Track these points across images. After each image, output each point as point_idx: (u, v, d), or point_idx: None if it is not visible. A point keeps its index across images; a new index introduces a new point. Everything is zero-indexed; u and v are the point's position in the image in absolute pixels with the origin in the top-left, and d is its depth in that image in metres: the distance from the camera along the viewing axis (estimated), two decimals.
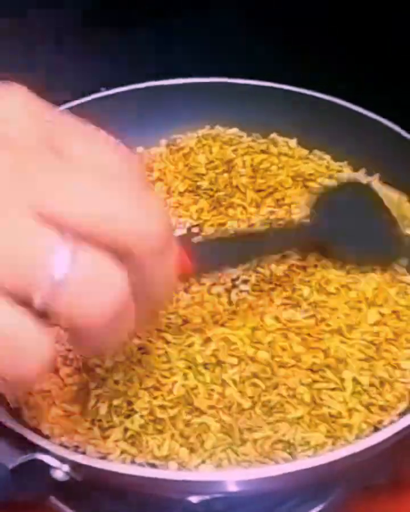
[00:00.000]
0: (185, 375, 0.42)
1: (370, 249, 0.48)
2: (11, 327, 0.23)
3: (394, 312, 0.46)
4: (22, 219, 0.23)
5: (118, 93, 0.56)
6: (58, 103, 0.53)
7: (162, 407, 0.41)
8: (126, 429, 0.41)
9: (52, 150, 0.25)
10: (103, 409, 0.41)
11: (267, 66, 0.56)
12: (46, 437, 0.40)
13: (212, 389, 0.42)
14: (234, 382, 0.42)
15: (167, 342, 0.44)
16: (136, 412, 0.41)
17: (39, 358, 0.24)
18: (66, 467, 0.37)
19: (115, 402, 0.41)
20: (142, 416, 0.41)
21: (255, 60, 0.57)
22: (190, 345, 0.43)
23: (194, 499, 0.41)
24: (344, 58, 0.55)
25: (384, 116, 0.53)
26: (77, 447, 0.40)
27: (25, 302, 0.24)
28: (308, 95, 0.56)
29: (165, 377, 0.42)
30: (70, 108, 0.54)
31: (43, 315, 0.24)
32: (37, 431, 0.39)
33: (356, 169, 0.55)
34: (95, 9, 0.58)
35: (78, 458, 0.37)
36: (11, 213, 0.23)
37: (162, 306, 0.28)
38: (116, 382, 0.42)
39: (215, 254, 0.42)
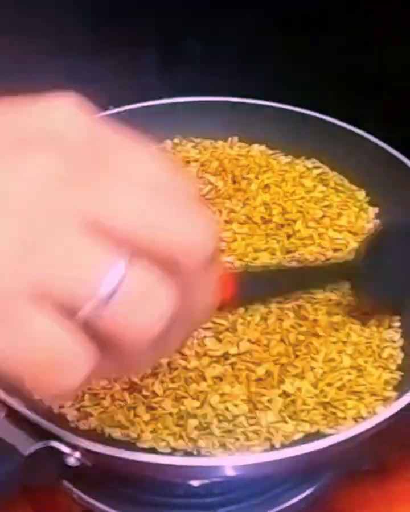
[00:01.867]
0: None
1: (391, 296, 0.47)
2: (55, 340, 0.23)
3: None
4: (74, 232, 0.23)
5: (126, 110, 0.58)
6: None
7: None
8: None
9: (101, 161, 0.24)
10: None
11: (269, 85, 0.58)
12: (60, 425, 0.41)
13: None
14: None
15: None
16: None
17: (76, 373, 0.23)
18: (78, 454, 0.39)
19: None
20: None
21: (260, 79, 0.58)
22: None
23: (195, 482, 0.45)
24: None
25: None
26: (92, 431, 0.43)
27: (70, 315, 0.23)
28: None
29: None
30: None
31: (86, 329, 0.24)
32: (51, 419, 0.41)
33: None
34: (99, 28, 0.59)
35: (89, 445, 0.39)
36: (62, 225, 0.22)
37: (199, 325, 0.27)
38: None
39: (253, 285, 0.40)
